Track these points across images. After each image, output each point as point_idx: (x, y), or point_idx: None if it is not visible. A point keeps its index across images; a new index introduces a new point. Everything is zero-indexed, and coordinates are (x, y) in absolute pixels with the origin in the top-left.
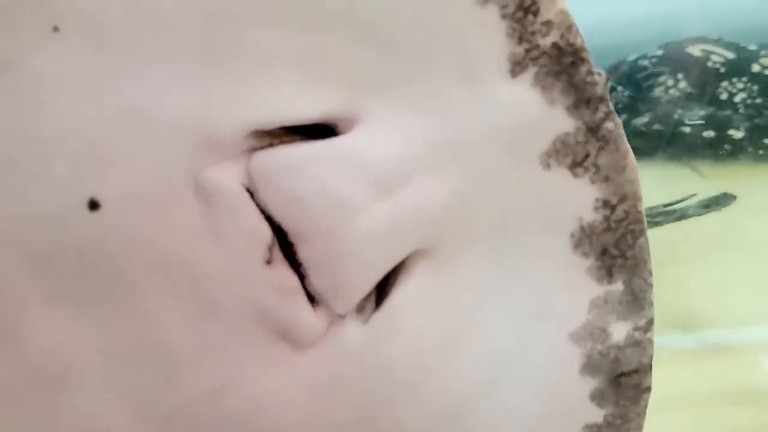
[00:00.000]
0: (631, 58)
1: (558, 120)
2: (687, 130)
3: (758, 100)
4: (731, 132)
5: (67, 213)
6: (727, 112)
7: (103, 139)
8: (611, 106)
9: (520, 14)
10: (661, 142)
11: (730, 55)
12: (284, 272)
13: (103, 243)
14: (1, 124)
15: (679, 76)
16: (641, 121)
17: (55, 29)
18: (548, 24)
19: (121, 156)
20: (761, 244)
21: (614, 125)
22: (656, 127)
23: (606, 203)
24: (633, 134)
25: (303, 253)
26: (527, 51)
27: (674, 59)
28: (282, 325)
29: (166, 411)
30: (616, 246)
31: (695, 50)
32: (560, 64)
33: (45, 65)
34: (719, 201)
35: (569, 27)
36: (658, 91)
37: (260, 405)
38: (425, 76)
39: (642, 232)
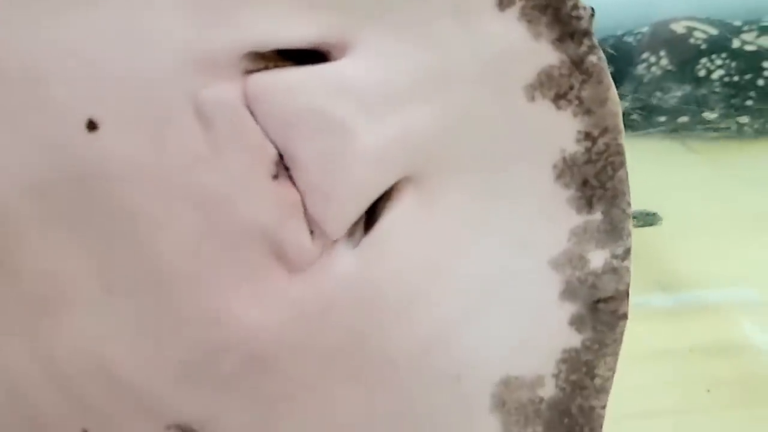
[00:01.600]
0: (618, 34)
1: (543, 53)
2: (664, 107)
3: (735, 78)
4: (705, 113)
5: (65, 134)
6: (704, 91)
7: (100, 59)
8: (595, 41)
9: None
10: (641, 119)
11: (713, 32)
12: (289, 187)
13: (102, 165)
14: None
15: (662, 53)
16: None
17: None
18: None
19: (118, 76)
20: (742, 212)
21: (597, 59)
22: (636, 104)
23: (588, 135)
24: None
25: (297, 176)
26: None
27: (658, 36)
28: (280, 243)
29: (160, 337)
30: (596, 177)
31: (679, 27)
32: None
33: None
34: (644, 220)
35: None
36: (640, 69)
37: (252, 329)
38: (415, 6)
39: (622, 164)
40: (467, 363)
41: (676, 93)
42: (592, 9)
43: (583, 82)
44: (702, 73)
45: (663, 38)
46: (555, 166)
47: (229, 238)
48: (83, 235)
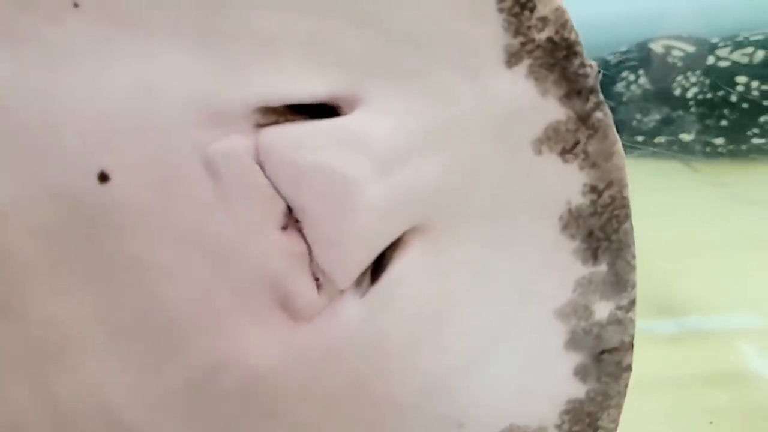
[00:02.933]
0: (604, 54)
1: (550, 109)
2: (642, 129)
3: (709, 95)
4: (682, 135)
5: (77, 184)
6: (680, 112)
7: (114, 112)
8: (601, 97)
9: (516, 9)
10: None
11: (690, 49)
12: (297, 238)
13: (111, 215)
14: (16, 95)
15: (640, 71)
16: None
17: (75, 5)
18: (544, 20)
19: (131, 129)
20: (744, 234)
21: (603, 115)
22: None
23: (593, 188)
24: None
25: (307, 228)
26: (522, 44)
27: (637, 55)
28: (286, 292)
29: (165, 381)
30: (601, 229)
31: (657, 46)
32: (554, 57)
33: (62, 39)
34: None
35: (564, 23)
36: (620, 87)
37: (257, 374)
38: (423, 63)
39: (627, 216)
40: (470, 411)
41: (655, 116)
42: (599, 67)
43: (590, 137)
44: (678, 91)
45: (642, 57)
46: (561, 218)
47: (236, 287)
48: (91, 281)
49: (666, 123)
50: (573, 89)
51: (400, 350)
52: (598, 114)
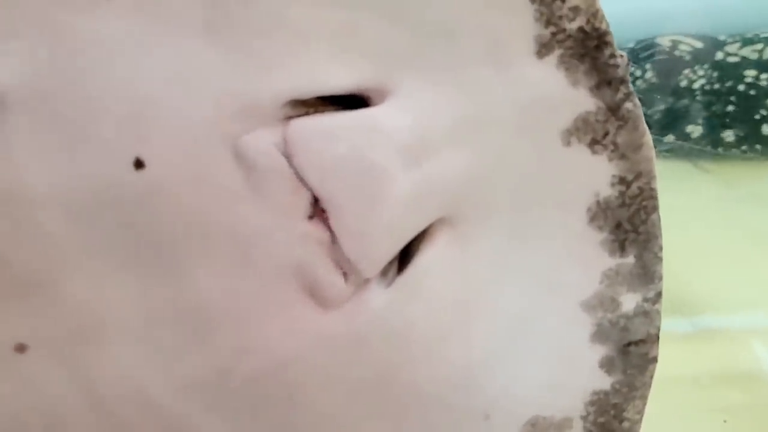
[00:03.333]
0: None
1: (580, 99)
2: (648, 123)
3: (716, 86)
4: (689, 128)
5: (113, 170)
6: (685, 101)
7: (149, 101)
8: (631, 88)
9: None
10: None
11: (698, 45)
12: (323, 227)
13: (146, 201)
14: (53, 85)
15: (647, 66)
16: None
17: None
18: (575, 9)
19: (165, 119)
20: (756, 234)
21: (633, 106)
22: None
23: (622, 180)
24: None
25: (334, 218)
26: (554, 34)
27: (644, 50)
28: (313, 280)
29: (194, 365)
30: (629, 221)
31: (665, 41)
32: (585, 47)
33: (96, 30)
34: None
35: (595, 12)
36: None
37: (283, 361)
38: (454, 54)
39: (654, 208)
40: (496, 402)
41: (660, 107)
42: (629, 57)
43: (619, 127)
44: (684, 83)
45: (649, 52)
46: (589, 209)
47: (264, 274)
48: (125, 266)
49: (674, 118)
50: (603, 79)
51: (426, 341)
52: (628, 105)
